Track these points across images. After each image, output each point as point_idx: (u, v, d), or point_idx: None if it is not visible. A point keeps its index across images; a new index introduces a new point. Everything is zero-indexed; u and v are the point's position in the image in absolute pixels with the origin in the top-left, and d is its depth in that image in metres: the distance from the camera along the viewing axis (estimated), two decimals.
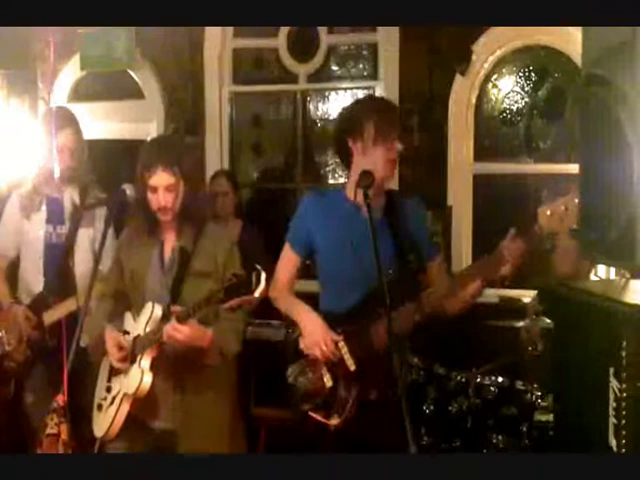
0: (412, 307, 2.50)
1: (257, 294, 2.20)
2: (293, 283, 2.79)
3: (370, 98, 2.83)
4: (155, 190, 2.58)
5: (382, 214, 2.65)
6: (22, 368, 3.38)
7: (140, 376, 2.54)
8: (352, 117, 2.66)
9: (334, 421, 2.53)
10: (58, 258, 3.36)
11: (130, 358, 2.61)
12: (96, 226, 3.34)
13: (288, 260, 2.77)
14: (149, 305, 2.62)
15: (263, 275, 2.18)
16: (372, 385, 2.54)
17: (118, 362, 2.64)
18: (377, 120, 2.57)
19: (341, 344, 2.56)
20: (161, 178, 2.57)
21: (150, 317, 2.59)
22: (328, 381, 2.57)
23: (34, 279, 3.40)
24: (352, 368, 2.54)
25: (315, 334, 2.57)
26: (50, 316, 3.30)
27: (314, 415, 2.58)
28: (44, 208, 3.39)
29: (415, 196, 2.84)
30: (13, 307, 3.36)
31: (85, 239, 3.37)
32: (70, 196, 3.41)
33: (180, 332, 2.44)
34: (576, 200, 2.26)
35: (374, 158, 2.58)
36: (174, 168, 2.57)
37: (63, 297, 3.28)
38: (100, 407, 2.71)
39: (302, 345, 2.61)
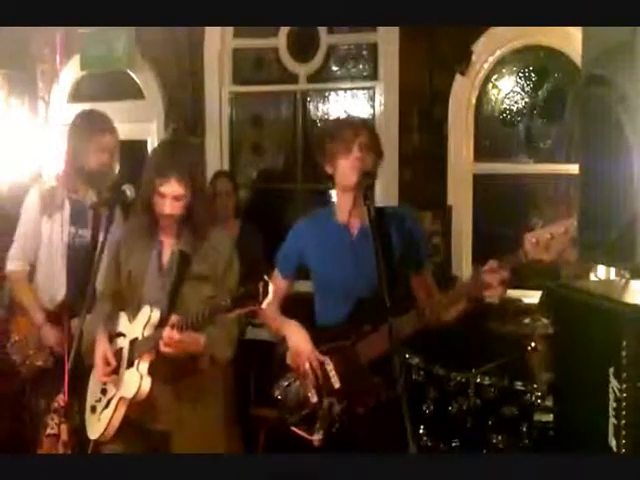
0: (403, 321, 2.52)
1: (264, 305, 2.20)
2: (280, 305, 2.81)
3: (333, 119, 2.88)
4: (163, 196, 2.56)
5: (366, 229, 2.59)
6: (37, 374, 3.30)
7: (139, 380, 2.53)
8: (319, 145, 2.74)
9: (317, 436, 2.55)
10: (80, 262, 3.22)
11: (127, 362, 2.60)
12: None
13: (276, 290, 2.76)
14: (147, 308, 2.59)
15: (270, 286, 2.19)
16: (357, 401, 2.56)
17: (103, 376, 2.62)
18: (330, 141, 2.64)
19: (327, 362, 2.60)
20: (173, 187, 2.54)
21: (148, 321, 2.57)
22: (313, 396, 2.60)
23: (55, 283, 3.28)
24: (336, 386, 2.58)
25: (301, 351, 2.61)
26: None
27: (297, 430, 2.61)
28: (67, 207, 3.29)
29: (401, 205, 2.87)
30: (45, 327, 3.25)
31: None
32: (90, 199, 3.30)
33: (177, 341, 2.42)
34: (562, 229, 2.29)
35: (341, 171, 2.62)
36: (186, 179, 2.55)
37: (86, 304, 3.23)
38: (94, 409, 2.68)
39: (288, 360, 2.66)
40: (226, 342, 2.63)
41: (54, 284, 3.29)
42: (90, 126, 3.30)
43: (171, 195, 2.55)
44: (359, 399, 2.56)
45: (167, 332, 2.43)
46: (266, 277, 2.20)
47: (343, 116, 2.95)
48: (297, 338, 2.65)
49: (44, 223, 3.29)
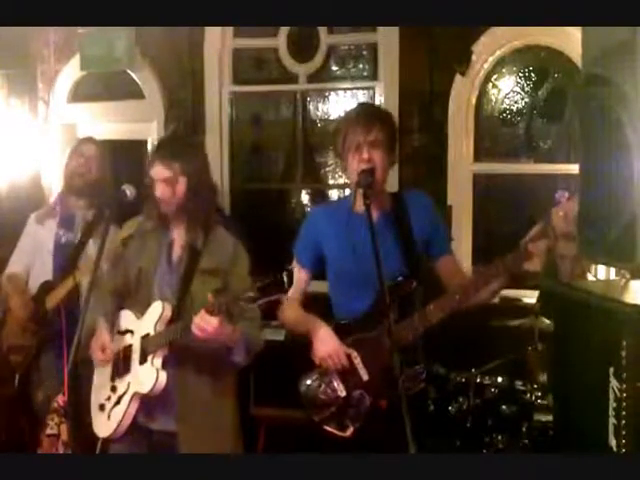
0: (415, 320, 2.52)
1: (290, 293, 2.32)
2: (302, 300, 2.77)
3: (354, 108, 2.76)
4: (154, 181, 2.66)
5: (387, 216, 2.64)
6: (28, 359, 3.51)
7: (155, 375, 2.55)
8: (334, 133, 2.67)
9: (348, 432, 2.53)
10: (65, 258, 3.52)
11: (140, 358, 2.62)
12: None
13: (299, 281, 2.75)
14: (158, 304, 2.61)
15: (296, 273, 2.26)
16: (385, 393, 2.51)
17: (100, 362, 2.68)
18: (342, 136, 2.58)
19: (354, 354, 2.56)
20: (157, 171, 2.64)
21: (160, 316, 2.59)
22: (341, 391, 2.56)
23: (44, 275, 3.54)
24: (365, 378, 2.54)
25: (327, 345, 2.56)
26: (51, 299, 3.47)
27: (328, 427, 2.56)
28: (58, 216, 3.63)
29: (414, 190, 2.85)
30: (12, 297, 3.53)
31: (93, 252, 3.44)
32: (83, 212, 3.63)
33: (209, 324, 2.40)
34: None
35: (349, 169, 2.58)
36: (172, 163, 2.62)
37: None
38: (103, 407, 2.70)
39: (314, 357, 2.60)
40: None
41: (42, 277, 3.57)
42: (79, 155, 3.68)
43: (159, 179, 2.63)
44: (385, 391, 2.50)
45: (202, 315, 2.41)
46: (291, 267, 2.25)
47: (359, 107, 2.82)
48: (323, 334, 2.58)
49: (39, 232, 3.65)
